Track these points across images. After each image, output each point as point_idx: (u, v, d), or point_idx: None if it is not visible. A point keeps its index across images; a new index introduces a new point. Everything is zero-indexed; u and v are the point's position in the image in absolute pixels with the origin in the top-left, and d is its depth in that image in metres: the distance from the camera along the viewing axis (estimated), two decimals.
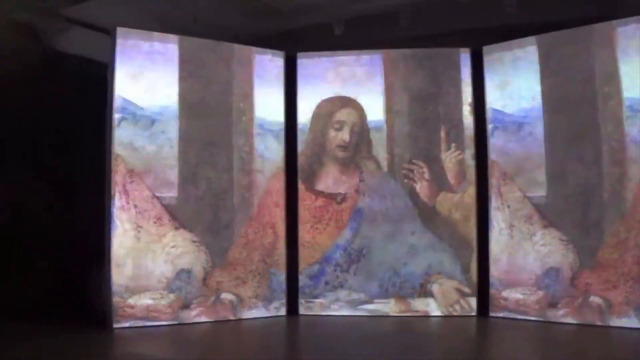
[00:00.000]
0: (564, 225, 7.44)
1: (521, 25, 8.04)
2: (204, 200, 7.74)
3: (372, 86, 8.23)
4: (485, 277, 7.87)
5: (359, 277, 8.06)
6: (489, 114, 8.00)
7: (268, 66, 8.24)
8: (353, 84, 8.27)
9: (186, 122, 7.73)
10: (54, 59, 7.98)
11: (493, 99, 7.97)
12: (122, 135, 7.43)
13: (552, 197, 7.56)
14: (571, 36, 7.50)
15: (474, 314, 7.85)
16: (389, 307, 7.99)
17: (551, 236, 7.51)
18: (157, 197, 7.52)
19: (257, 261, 7.95)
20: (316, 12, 8.61)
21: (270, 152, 8.15)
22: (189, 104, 7.76)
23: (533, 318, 7.50)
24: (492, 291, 7.81)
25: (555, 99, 7.58)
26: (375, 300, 8.01)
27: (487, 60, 8.04)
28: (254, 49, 8.21)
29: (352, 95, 8.25)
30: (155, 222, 7.50)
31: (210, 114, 7.86)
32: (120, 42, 7.48)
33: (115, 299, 7.23)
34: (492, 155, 7.93)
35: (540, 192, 7.64)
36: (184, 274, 7.56)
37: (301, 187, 8.21)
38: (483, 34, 8.30)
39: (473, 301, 7.88)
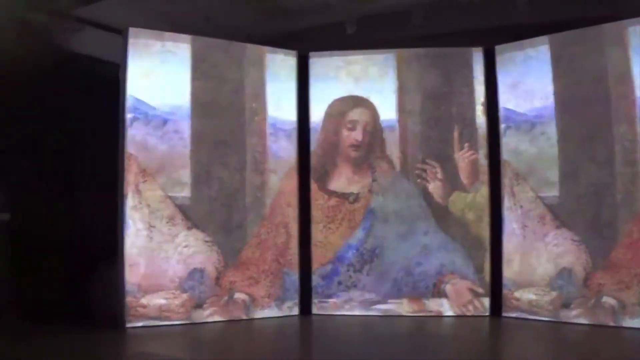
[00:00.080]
0: (577, 225, 7.41)
1: (533, 25, 8.02)
2: (217, 200, 7.74)
3: (384, 85, 8.21)
4: (498, 277, 7.85)
5: (372, 277, 8.04)
6: (501, 114, 7.98)
7: (280, 66, 8.23)
8: (366, 83, 8.25)
9: (198, 121, 7.73)
10: (66, 60, 7.98)
11: (505, 99, 7.95)
12: (135, 135, 7.44)
13: (565, 197, 7.53)
14: (583, 35, 7.48)
15: (487, 314, 7.84)
16: (402, 307, 7.97)
17: (564, 236, 7.49)
18: (170, 197, 7.53)
19: (270, 261, 7.95)
20: (328, 11, 8.59)
21: (282, 151, 8.14)
22: (201, 104, 7.76)
23: (546, 318, 7.47)
24: (504, 291, 7.79)
25: (568, 99, 7.55)
26: (389, 300, 7.99)
27: (499, 59, 8.01)
28: (265, 48, 8.20)
29: (364, 95, 8.23)
30: (167, 222, 7.50)
31: (222, 114, 7.86)
32: (132, 42, 7.49)
33: (128, 299, 7.25)
34: (505, 155, 7.91)
35: (552, 192, 7.62)
36: (196, 273, 7.56)
37: (314, 186, 8.20)
38: (495, 33, 8.27)
39: (486, 301, 7.86)
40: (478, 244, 7.95)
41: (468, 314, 7.87)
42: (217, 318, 7.63)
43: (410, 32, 8.56)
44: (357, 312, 8.00)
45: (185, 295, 7.49)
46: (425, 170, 8.06)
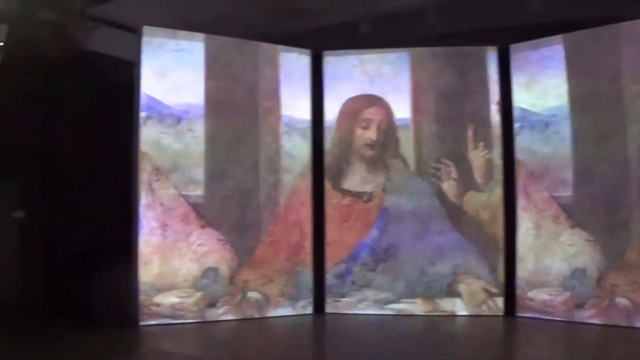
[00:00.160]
0: (591, 225, 7.39)
1: (548, 24, 7.98)
2: (231, 199, 7.74)
3: (399, 84, 8.21)
4: (512, 277, 7.82)
5: (386, 276, 8.03)
6: (516, 113, 7.95)
7: (294, 64, 8.24)
8: (380, 82, 8.25)
9: (212, 120, 7.74)
10: (80, 58, 7.98)
11: (520, 98, 7.93)
12: (148, 134, 7.46)
13: (579, 197, 7.50)
14: (597, 35, 7.45)
15: (501, 314, 7.81)
16: (416, 306, 7.95)
17: (578, 237, 7.46)
18: (183, 196, 7.53)
19: (284, 260, 7.95)
20: (342, 11, 8.58)
21: (297, 150, 8.14)
22: (215, 103, 7.77)
23: (559, 318, 7.45)
24: (518, 291, 7.76)
25: (582, 98, 7.53)
26: (402, 300, 7.98)
27: (514, 58, 8.01)
28: (280, 47, 8.21)
29: (378, 94, 8.23)
30: (181, 220, 7.51)
31: (236, 113, 7.87)
32: (146, 41, 7.52)
33: (142, 297, 7.26)
34: (519, 154, 7.88)
35: (566, 192, 7.59)
36: (210, 272, 7.56)
37: (328, 185, 8.19)
38: (510, 33, 8.24)
39: (500, 301, 7.83)
40: (492, 243, 7.92)
41: (482, 313, 7.84)
42: (230, 316, 7.63)
43: (424, 31, 8.54)
44: (370, 311, 7.99)
45: (198, 294, 7.50)
46: (439, 170, 8.04)
